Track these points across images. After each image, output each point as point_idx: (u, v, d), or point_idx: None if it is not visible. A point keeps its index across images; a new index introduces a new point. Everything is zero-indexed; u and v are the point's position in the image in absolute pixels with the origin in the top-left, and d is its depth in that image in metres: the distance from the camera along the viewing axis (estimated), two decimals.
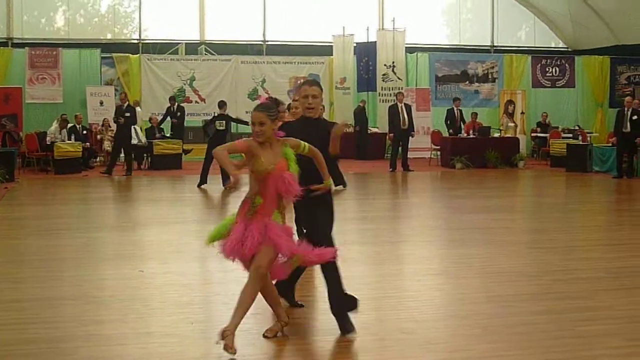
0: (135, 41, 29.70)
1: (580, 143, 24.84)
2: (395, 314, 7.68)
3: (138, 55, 28.46)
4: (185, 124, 26.23)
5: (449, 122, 26.10)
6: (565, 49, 35.53)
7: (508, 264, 10.17)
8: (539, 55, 29.68)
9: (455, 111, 26.03)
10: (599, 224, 14.64)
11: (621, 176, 22.09)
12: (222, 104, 20.46)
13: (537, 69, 28.60)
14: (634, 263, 10.18)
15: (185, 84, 28.24)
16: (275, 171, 6.26)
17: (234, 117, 20.95)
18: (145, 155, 25.02)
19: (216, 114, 20.39)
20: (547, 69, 28.31)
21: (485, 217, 14.59)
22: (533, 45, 34.13)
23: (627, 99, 23.45)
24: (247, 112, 27.24)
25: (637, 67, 28.49)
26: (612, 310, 7.65)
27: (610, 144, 23.95)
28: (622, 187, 20.63)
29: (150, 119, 26.05)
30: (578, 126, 26.71)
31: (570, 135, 26.06)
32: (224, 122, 19.68)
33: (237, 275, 7.62)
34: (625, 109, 22.70)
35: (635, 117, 22.29)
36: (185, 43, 29.39)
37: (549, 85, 28.15)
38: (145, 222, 14.31)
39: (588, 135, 26.17)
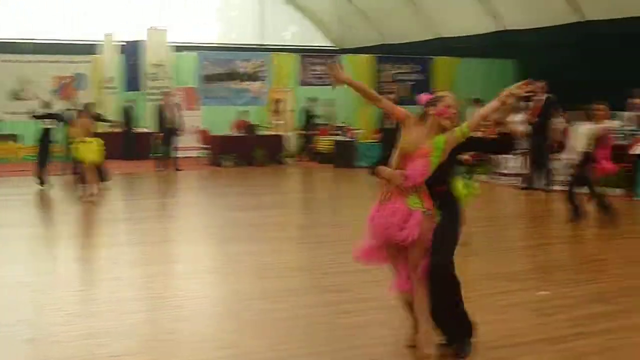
0: None
1: (347, 139, 25.51)
2: (164, 314, 7.51)
3: None
4: None
5: None
6: (333, 48, 36.46)
7: (279, 260, 10.23)
8: (306, 54, 30.21)
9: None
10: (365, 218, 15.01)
11: None
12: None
13: (305, 67, 29.07)
14: None
15: None
16: (414, 154, 5.88)
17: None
18: None
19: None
20: (315, 68, 28.85)
21: (255, 214, 14.63)
22: (301, 44, 34.80)
23: (391, 96, 24.22)
24: (7, 113, 26.03)
25: (401, 65, 29.66)
26: (378, 301, 7.82)
27: (375, 141, 24.71)
28: None
29: None
30: (344, 123, 27.38)
31: (339, 132, 26.69)
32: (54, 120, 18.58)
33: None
34: None
35: None
36: None
37: (318, 83, 28.67)
38: None
39: (355, 132, 26.88)
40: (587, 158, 13.01)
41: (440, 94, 6.24)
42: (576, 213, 13.21)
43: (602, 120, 13.12)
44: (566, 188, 13.96)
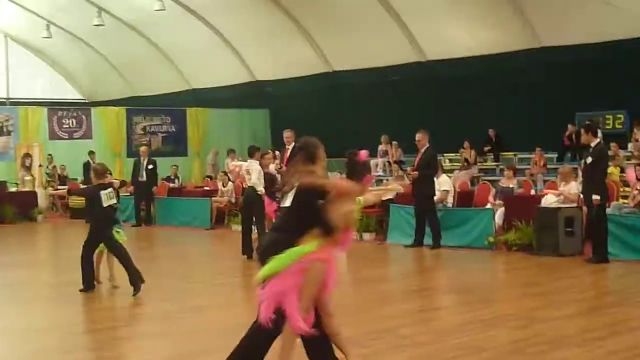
0: None
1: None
2: None
3: None
4: None
5: None
6: (83, 101, 35.72)
7: (26, 321, 9.74)
8: (55, 107, 29.34)
9: None
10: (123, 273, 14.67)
11: (140, 224, 22.53)
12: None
13: (54, 121, 28.16)
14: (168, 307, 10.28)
15: None
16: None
17: None
18: None
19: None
20: (64, 121, 28.02)
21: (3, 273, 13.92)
22: (50, 97, 33.80)
23: (142, 148, 24.03)
24: None
25: (152, 117, 29.45)
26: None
27: (128, 194, 24.26)
28: (142, 235, 21.04)
29: None
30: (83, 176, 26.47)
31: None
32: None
33: None
34: (141, 158, 23.27)
35: (151, 167, 22.95)
36: None
37: (67, 137, 27.86)
38: None
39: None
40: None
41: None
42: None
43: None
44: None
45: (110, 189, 11.40)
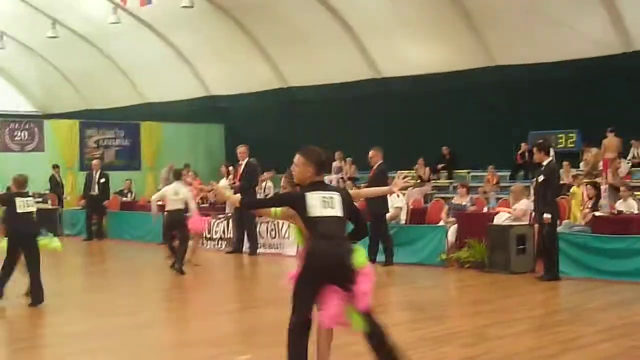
0: None
1: (50, 207, 24.52)
2: None
3: None
4: None
5: None
6: (36, 113, 35.28)
7: None
8: (7, 119, 28.91)
9: None
10: (71, 287, 14.50)
11: (91, 238, 22.28)
12: None
13: (6, 133, 27.74)
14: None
15: None
16: None
17: None
18: None
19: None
20: (16, 133, 27.63)
21: None
22: (2, 109, 33.37)
23: (94, 162, 23.83)
24: None
25: (106, 130, 29.15)
26: None
27: (80, 207, 24.01)
28: (93, 249, 20.81)
29: None
30: (46, 190, 26.22)
31: (40, 199, 25.58)
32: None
33: None
34: (94, 172, 23.05)
35: (103, 180, 22.75)
36: None
37: (18, 149, 27.45)
38: None
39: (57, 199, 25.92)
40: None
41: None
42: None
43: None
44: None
45: (29, 198, 11.84)
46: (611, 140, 20.47)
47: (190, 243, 15.77)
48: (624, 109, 20.44)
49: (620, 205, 15.54)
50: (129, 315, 10.87)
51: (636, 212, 15.24)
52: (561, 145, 21.81)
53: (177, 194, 15.35)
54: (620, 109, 20.50)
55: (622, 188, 16.64)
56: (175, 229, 15.48)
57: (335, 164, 25.20)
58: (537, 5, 20.84)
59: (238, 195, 10.84)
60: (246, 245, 18.42)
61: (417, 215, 18.01)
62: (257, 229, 18.47)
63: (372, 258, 15.84)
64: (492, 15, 22.02)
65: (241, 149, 18.45)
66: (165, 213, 15.78)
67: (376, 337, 6.52)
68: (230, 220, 19.18)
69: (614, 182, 18.57)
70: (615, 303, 11.44)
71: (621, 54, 20.46)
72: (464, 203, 17.15)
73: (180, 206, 15.41)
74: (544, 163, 13.59)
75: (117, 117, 31.26)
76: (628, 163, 20.74)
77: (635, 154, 21.02)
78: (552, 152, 14.43)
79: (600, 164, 20.07)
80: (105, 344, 9.02)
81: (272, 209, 6.94)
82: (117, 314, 11.06)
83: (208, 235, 19.82)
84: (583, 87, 21.03)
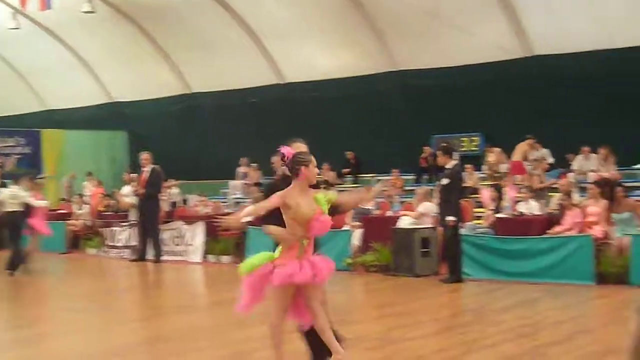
0: None
1: None
2: None
3: None
4: None
5: None
6: None
7: None
8: None
9: None
10: None
11: None
12: None
13: None
14: None
15: None
16: (315, 215, 6.75)
17: None
18: None
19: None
20: None
21: None
22: None
23: None
24: None
25: (6, 138, 28.40)
26: None
27: None
28: None
29: None
30: None
31: None
32: None
33: None
34: None
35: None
36: None
37: None
38: None
39: None
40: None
41: (302, 148, 7.12)
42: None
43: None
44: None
45: None
46: (522, 145, 20.62)
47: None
48: (525, 112, 20.84)
49: (521, 207, 15.82)
50: (27, 327, 10.57)
51: (537, 213, 15.54)
52: (464, 149, 22.09)
53: (15, 198, 16.27)
54: (521, 113, 20.89)
55: (522, 190, 16.95)
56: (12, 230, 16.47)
57: (239, 170, 25.04)
58: (440, 11, 21.11)
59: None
60: (150, 252, 18.14)
61: None
62: (161, 236, 18.23)
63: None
64: (395, 21, 22.20)
65: (144, 156, 18.19)
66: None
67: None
68: (134, 228, 18.87)
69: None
70: (518, 303, 11.63)
71: (521, 58, 20.86)
72: (369, 207, 17.21)
73: (18, 208, 16.27)
74: (448, 166, 13.74)
75: (17, 125, 30.48)
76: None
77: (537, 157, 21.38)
78: (455, 156, 14.58)
79: (506, 166, 20.34)
80: (3, 358, 8.74)
81: None
82: (15, 325, 10.74)
83: (112, 243, 19.48)
84: (485, 91, 21.34)
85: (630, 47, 18.93)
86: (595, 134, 19.11)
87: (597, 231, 13.59)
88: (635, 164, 19.58)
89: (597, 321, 10.60)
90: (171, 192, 21.94)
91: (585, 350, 8.30)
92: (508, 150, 20.53)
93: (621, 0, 18.97)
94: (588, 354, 8.16)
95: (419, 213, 15.40)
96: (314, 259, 6.95)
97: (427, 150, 22.39)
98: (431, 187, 18.03)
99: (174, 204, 21.67)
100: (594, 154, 19.44)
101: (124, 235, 19.39)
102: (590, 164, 19.44)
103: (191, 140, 26.90)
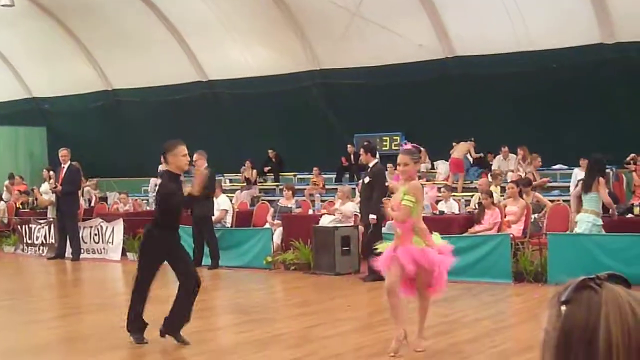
0: None
1: None
2: None
3: None
4: None
5: None
6: None
7: None
8: None
9: None
10: None
11: None
12: None
13: None
14: None
15: None
16: None
17: None
18: None
19: None
20: None
21: None
22: None
23: None
24: None
25: None
26: None
27: None
28: None
29: None
30: None
31: None
32: None
33: None
34: None
35: None
36: None
37: None
38: None
39: None
40: None
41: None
42: None
43: None
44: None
45: None
46: (465, 145, 20.86)
47: None
48: (447, 111, 21.11)
49: (441, 206, 15.99)
50: None
51: (457, 212, 15.72)
52: (386, 148, 22.21)
53: None
54: (443, 112, 21.15)
55: (442, 189, 17.14)
56: None
57: (161, 167, 24.72)
58: (362, 10, 21.20)
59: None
60: (69, 250, 17.85)
61: (243, 218, 17.96)
62: (80, 234, 17.96)
63: (198, 260, 15.67)
64: (318, 20, 22.25)
65: (63, 152, 17.90)
66: None
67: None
68: (52, 226, 18.55)
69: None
70: (436, 301, 11.70)
71: (443, 58, 21.11)
72: (289, 205, 17.23)
73: None
74: (370, 165, 13.82)
75: None
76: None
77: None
78: (377, 154, 14.66)
79: (426, 165, 20.59)
80: None
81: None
82: None
83: (29, 241, 19.12)
84: (407, 90, 21.51)
85: (548, 49, 19.30)
86: (515, 135, 19.46)
87: (515, 230, 13.83)
88: (554, 164, 19.97)
89: (514, 319, 10.79)
90: (89, 189, 21.64)
91: (502, 347, 8.45)
92: (431, 151, 20.83)
93: (539, 3, 19.32)
94: (504, 351, 8.31)
95: (340, 211, 15.45)
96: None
97: (349, 148, 22.49)
98: (352, 186, 18.12)
99: (89, 201, 21.40)
100: (512, 154, 19.77)
101: (42, 232, 19.04)
102: (509, 164, 19.77)
103: (113, 137, 26.56)
